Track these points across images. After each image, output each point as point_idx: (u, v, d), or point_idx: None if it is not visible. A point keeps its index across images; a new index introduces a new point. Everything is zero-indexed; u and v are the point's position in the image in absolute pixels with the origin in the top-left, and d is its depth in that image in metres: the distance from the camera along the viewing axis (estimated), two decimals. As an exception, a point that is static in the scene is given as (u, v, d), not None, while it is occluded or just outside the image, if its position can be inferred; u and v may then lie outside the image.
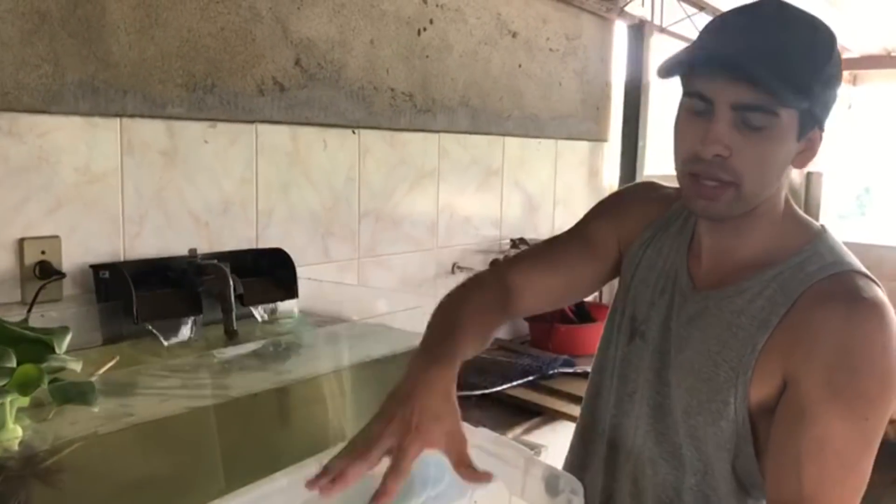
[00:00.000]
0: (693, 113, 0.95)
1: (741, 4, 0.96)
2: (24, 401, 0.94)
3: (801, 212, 1.05)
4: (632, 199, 1.20)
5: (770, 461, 0.96)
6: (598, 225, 1.20)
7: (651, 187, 1.21)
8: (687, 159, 0.95)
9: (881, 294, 0.95)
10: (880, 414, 0.92)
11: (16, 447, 0.92)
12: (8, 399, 0.90)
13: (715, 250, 1.05)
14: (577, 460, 1.19)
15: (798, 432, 0.92)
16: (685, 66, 0.95)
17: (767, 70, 0.88)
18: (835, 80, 0.95)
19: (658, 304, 1.09)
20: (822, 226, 1.03)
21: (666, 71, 0.95)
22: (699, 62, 0.94)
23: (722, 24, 0.96)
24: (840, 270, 0.96)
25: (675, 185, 1.03)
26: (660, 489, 1.05)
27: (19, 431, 0.93)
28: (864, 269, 0.97)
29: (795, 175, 4.67)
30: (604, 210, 1.23)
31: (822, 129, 0.96)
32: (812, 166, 5.12)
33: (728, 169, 0.93)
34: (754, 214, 0.99)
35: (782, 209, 1.02)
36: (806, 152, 0.97)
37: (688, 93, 0.95)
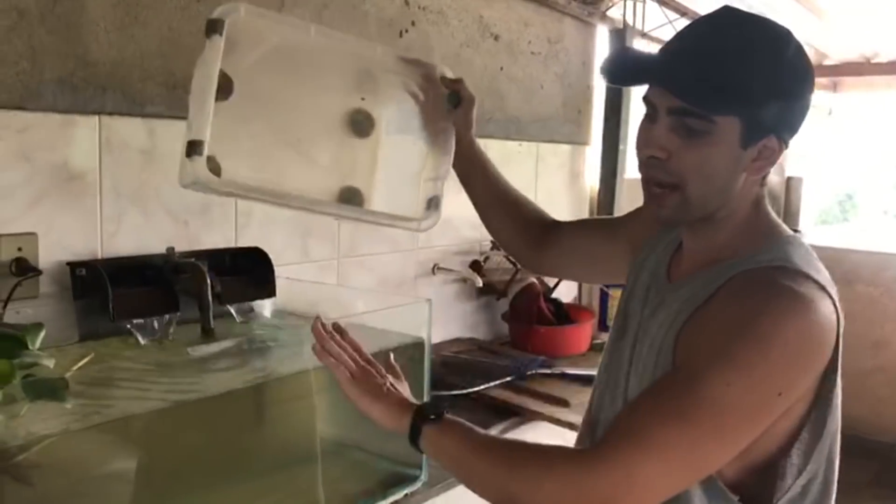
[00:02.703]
0: (644, 118, 0.99)
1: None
2: (-4, 396, 0.95)
3: (776, 220, 1.04)
4: (645, 213, 1.25)
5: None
6: (628, 219, 1.30)
7: None
8: (639, 163, 1.00)
9: (807, 289, 0.91)
10: (750, 389, 0.87)
11: (-14, 442, 0.92)
12: (-21, 394, 0.91)
13: (688, 251, 1.08)
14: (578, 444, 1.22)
15: (662, 373, 0.95)
16: (616, 73, 1.03)
17: (689, 75, 0.91)
18: (792, 87, 0.95)
19: (641, 301, 1.12)
20: (794, 235, 1.02)
21: (608, 78, 1.03)
22: (625, 69, 1.01)
23: (676, 34, 1.00)
24: (777, 265, 0.94)
25: None
26: None
27: (-10, 427, 0.93)
28: (812, 274, 0.93)
29: (776, 180, 4.71)
30: (639, 211, 1.28)
31: (780, 138, 0.95)
32: (793, 171, 5.17)
33: (668, 171, 0.96)
34: (714, 219, 1.01)
35: (746, 215, 1.02)
36: (762, 160, 0.97)
37: (642, 99, 0.99)
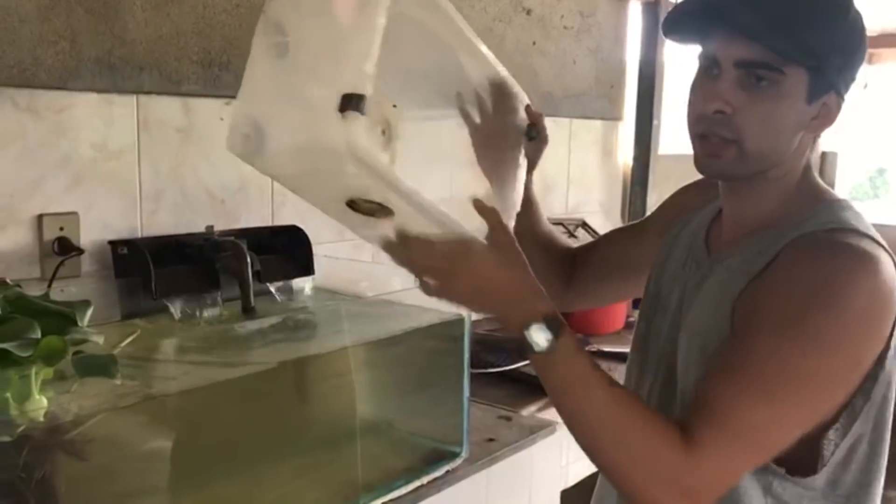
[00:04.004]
0: (703, 75, 0.97)
1: None
2: (48, 373, 0.95)
3: (825, 187, 1.03)
4: (686, 190, 1.25)
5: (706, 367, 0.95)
6: (654, 215, 1.30)
7: (699, 187, 1.22)
8: (694, 120, 0.98)
9: (871, 247, 0.91)
10: (829, 358, 0.86)
11: (41, 418, 0.93)
12: (33, 370, 0.92)
13: (732, 217, 1.06)
14: None
15: (734, 342, 0.91)
16: (681, 20, 0.98)
17: (763, 21, 0.89)
18: (853, 46, 0.95)
19: (680, 277, 1.10)
20: (845, 200, 1.01)
21: (668, 27, 0.99)
22: (693, 14, 0.96)
23: None
24: (833, 227, 0.94)
25: (691, 166, 1.04)
26: None
27: (44, 402, 0.94)
28: (868, 231, 0.94)
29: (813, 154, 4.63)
30: (664, 203, 1.28)
31: (839, 94, 0.95)
32: (827, 146, 5.08)
33: (731, 126, 0.94)
34: (766, 179, 0.99)
35: (799, 177, 1.01)
36: (821, 118, 0.96)
37: (700, 56, 0.98)
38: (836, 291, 0.87)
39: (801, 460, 0.95)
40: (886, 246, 0.94)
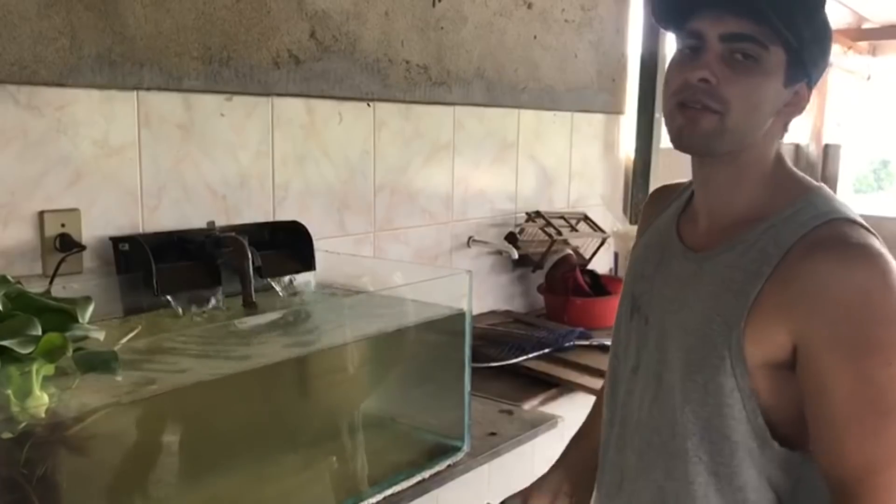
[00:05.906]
0: (686, 50, 0.98)
1: None
2: (50, 369, 0.96)
3: (797, 171, 1.05)
4: (641, 217, 1.25)
5: (812, 437, 0.96)
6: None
7: (660, 190, 1.24)
8: (675, 91, 0.98)
9: (873, 241, 0.94)
10: None
11: (42, 414, 0.94)
12: (34, 367, 0.92)
13: (709, 209, 1.05)
14: (604, 436, 1.20)
15: (826, 399, 0.92)
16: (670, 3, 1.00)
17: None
18: (826, 41, 0.98)
19: (654, 277, 1.10)
20: (821, 185, 1.03)
21: (659, 14, 1.01)
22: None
23: None
24: (832, 219, 0.96)
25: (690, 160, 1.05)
26: (662, 459, 1.04)
27: (45, 399, 0.94)
28: (858, 219, 0.97)
29: (812, 148, 4.62)
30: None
31: (809, 85, 0.98)
32: (830, 138, 5.03)
33: (715, 96, 0.95)
34: (740, 163, 1.00)
35: (772, 162, 1.02)
36: (792, 105, 0.99)
37: (683, 34, 0.99)
38: (877, 303, 0.90)
39: (793, 441, 0.98)
40: (867, 225, 0.97)
